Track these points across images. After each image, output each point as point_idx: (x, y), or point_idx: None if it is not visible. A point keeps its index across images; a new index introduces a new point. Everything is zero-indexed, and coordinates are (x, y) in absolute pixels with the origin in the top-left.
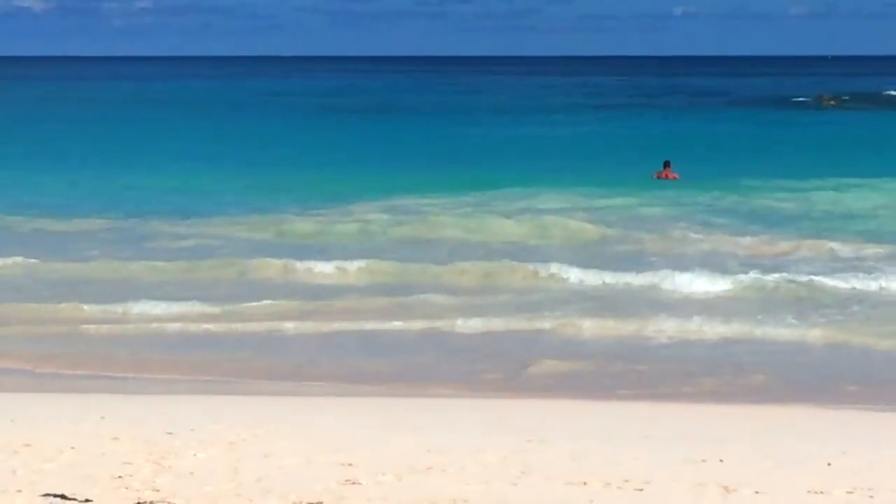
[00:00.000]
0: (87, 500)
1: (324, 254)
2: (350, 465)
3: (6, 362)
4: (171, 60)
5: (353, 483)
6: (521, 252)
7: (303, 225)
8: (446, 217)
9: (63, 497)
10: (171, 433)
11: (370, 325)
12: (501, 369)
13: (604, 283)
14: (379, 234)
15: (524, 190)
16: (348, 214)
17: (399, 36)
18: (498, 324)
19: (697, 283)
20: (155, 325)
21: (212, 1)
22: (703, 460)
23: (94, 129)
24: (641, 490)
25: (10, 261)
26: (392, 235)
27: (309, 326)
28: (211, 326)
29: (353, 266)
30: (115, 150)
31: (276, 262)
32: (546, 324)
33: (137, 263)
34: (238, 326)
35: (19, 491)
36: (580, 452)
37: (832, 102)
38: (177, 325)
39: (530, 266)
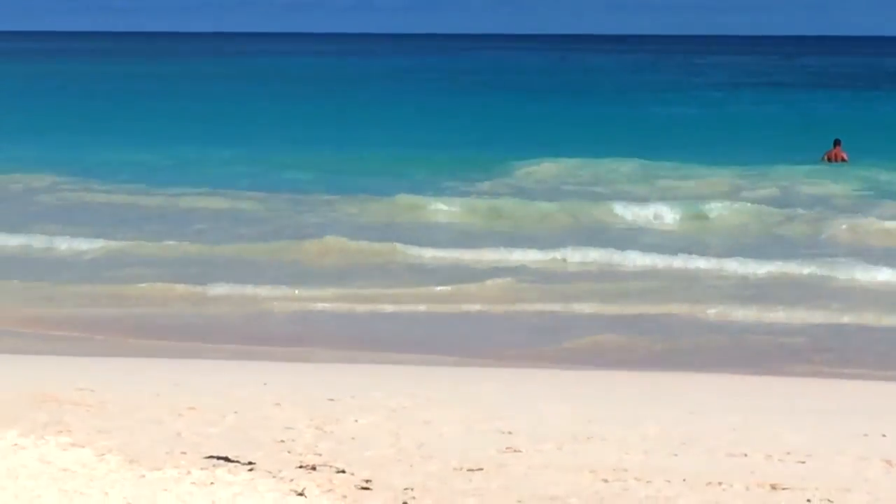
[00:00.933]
0: (250, 463)
1: (470, 236)
2: (510, 433)
3: (167, 333)
4: (330, 37)
5: (514, 451)
6: (680, 239)
7: (451, 206)
8: (601, 202)
9: (227, 459)
10: (332, 399)
11: (518, 307)
12: (659, 345)
13: (767, 269)
14: (532, 217)
15: (685, 169)
16: (499, 193)
17: (558, 13)
18: (656, 307)
19: (867, 270)
20: (309, 304)
21: None
22: (865, 434)
23: (251, 106)
24: (803, 462)
25: (172, 243)
26: (546, 218)
27: (458, 308)
28: (358, 307)
29: (510, 251)
30: (263, 126)
31: (422, 248)
32: (703, 308)
33: (289, 243)
34: (387, 308)
35: (184, 452)
36: (741, 425)
37: None
38: (326, 305)
39: (687, 253)
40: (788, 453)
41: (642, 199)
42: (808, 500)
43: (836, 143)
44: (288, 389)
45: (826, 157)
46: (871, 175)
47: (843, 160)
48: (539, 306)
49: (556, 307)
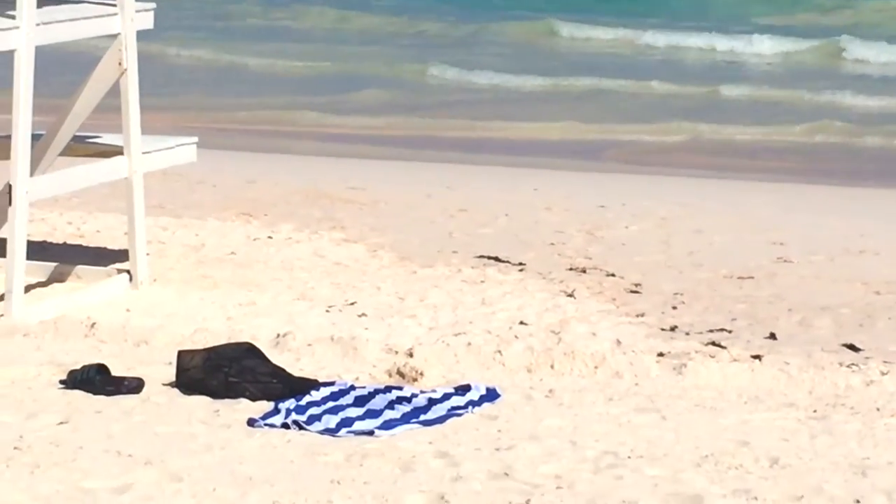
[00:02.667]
0: (520, 264)
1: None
2: (781, 244)
3: (426, 144)
4: None
5: (785, 261)
6: None
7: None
8: None
9: (497, 259)
10: (602, 206)
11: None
12: None
13: None
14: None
15: None
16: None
17: None
18: None
19: None
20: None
21: None
22: None
23: None
24: None
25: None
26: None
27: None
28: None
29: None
30: None
31: None
32: None
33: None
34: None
35: (455, 252)
36: None
37: None
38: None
39: None
40: None
41: None
42: None
43: None
44: (559, 195)
45: None
46: None
47: None
48: (813, 137)
49: (833, 138)
